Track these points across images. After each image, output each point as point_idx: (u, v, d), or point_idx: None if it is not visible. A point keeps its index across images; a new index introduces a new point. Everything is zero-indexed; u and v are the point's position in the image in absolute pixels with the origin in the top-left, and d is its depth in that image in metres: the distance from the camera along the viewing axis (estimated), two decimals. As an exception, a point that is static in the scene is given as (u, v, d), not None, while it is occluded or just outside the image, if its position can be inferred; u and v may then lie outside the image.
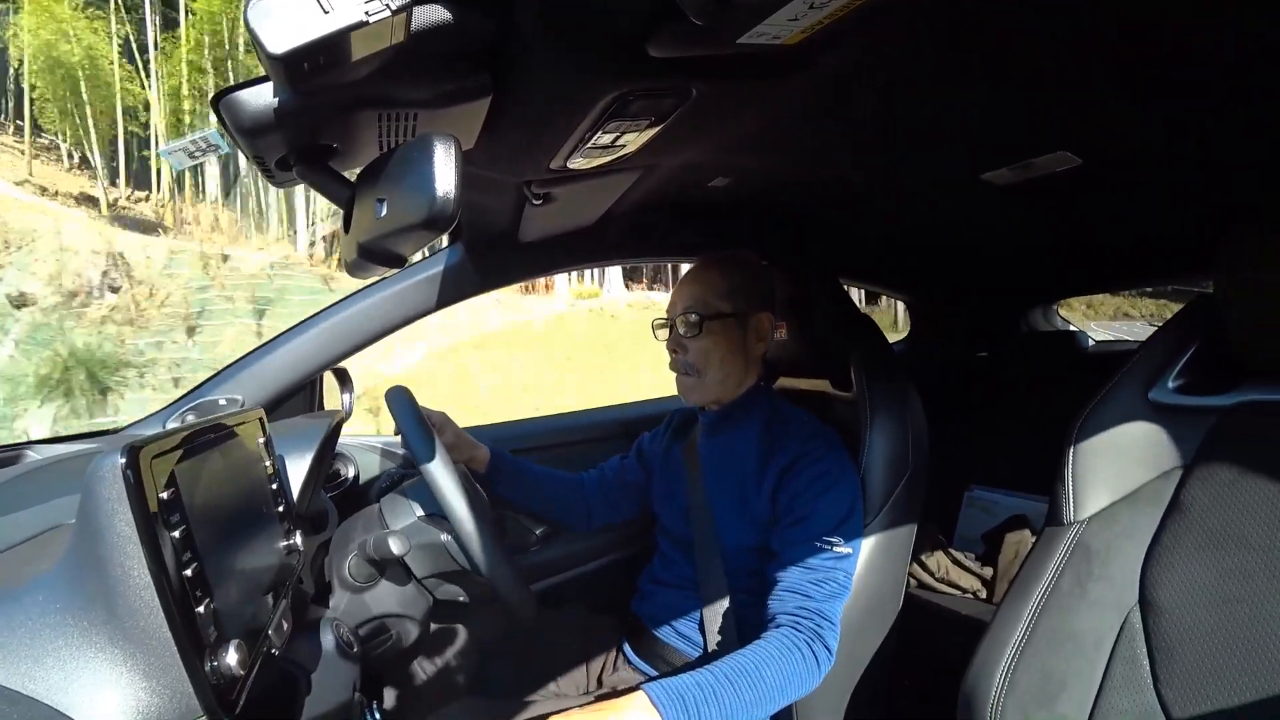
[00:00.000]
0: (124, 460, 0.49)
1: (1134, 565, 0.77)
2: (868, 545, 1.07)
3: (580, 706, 0.86)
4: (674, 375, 1.20)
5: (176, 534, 0.52)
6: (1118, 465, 0.82)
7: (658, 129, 0.74)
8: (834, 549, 1.01)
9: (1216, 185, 1.02)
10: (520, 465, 1.32)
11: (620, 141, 0.76)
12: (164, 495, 0.52)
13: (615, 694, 1.13)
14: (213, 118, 0.61)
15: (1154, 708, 0.71)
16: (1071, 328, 2.01)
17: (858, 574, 1.05)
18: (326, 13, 0.44)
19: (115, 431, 1.22)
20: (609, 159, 0.83)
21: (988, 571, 1.59)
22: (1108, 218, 1.26)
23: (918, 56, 0.68)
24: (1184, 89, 0.73)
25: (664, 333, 1.21)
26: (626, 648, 1.22)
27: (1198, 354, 0.82)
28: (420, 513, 1.04)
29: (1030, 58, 0.69)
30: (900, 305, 2.18)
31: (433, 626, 1.20)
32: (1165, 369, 0.83)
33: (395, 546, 0.96)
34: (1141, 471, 0.81)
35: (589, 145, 0.76)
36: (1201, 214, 1.16)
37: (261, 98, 0.58)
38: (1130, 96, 0.76)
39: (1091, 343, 1.92)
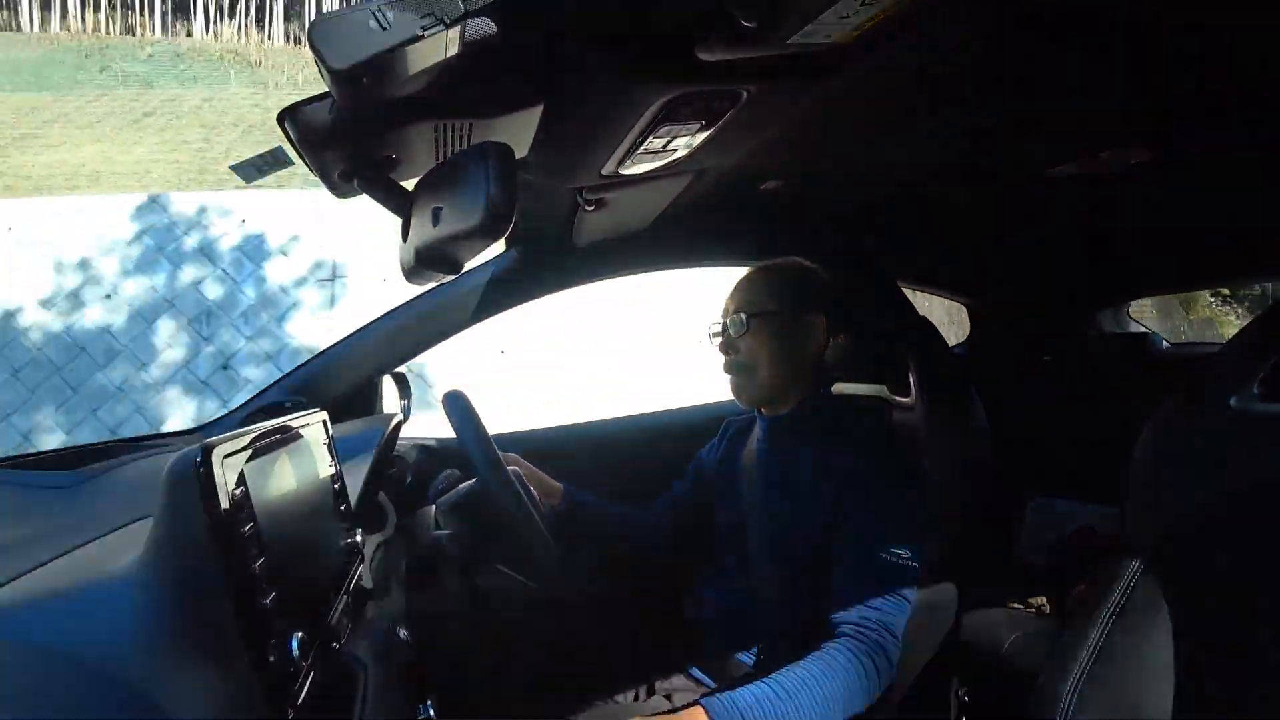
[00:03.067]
0: (198, 459, 0.51)
1: (1213, 584, 0.72)
2: (926, 555, 1.04)
3: (636, 717, 0.86)
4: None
5: (245, 530, 0.54)
6: (1195, 477, 0.77)
7: (709, 132, 0.74)
8: (898, 561, 0.99)
9: None
10: (593, 503, 1.34)
11: (672, 145, 0.77)
12: (234, 493, 0.54)
13: (669, 700, 1.13)
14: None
15: None
16: (1143, 329, 1.91)
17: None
18: (384, 29, 0.46)
19: (192, 433, 1.28)
20: (661, 163, 0.83)
21: (1053, 585, 1.52)
22: (1183, 213, 1.19)
23: (976, 48, 0.66)
24: (1263, 71, 0.69)
25: (717, 339, 1.21)
26: (680, 652, 1.21)
27: None
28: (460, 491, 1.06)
29: (1099, 45, 0.65)
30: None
31: (486, 626, 1.22)
32: (1251, 373, 0.77)
33: (451, 547, 0.99)
34: (1222, 485, 0.75)
35: (641, 150, 0.76)
36: None
37: (324, 113, 0.60)
38: (1205, 84, 0.72)
39: (1166, 345, 1.83)
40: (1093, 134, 0.88)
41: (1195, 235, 1.34)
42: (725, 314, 1.21)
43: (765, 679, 0.90)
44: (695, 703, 0.88)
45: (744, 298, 1.18)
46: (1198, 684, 0.69)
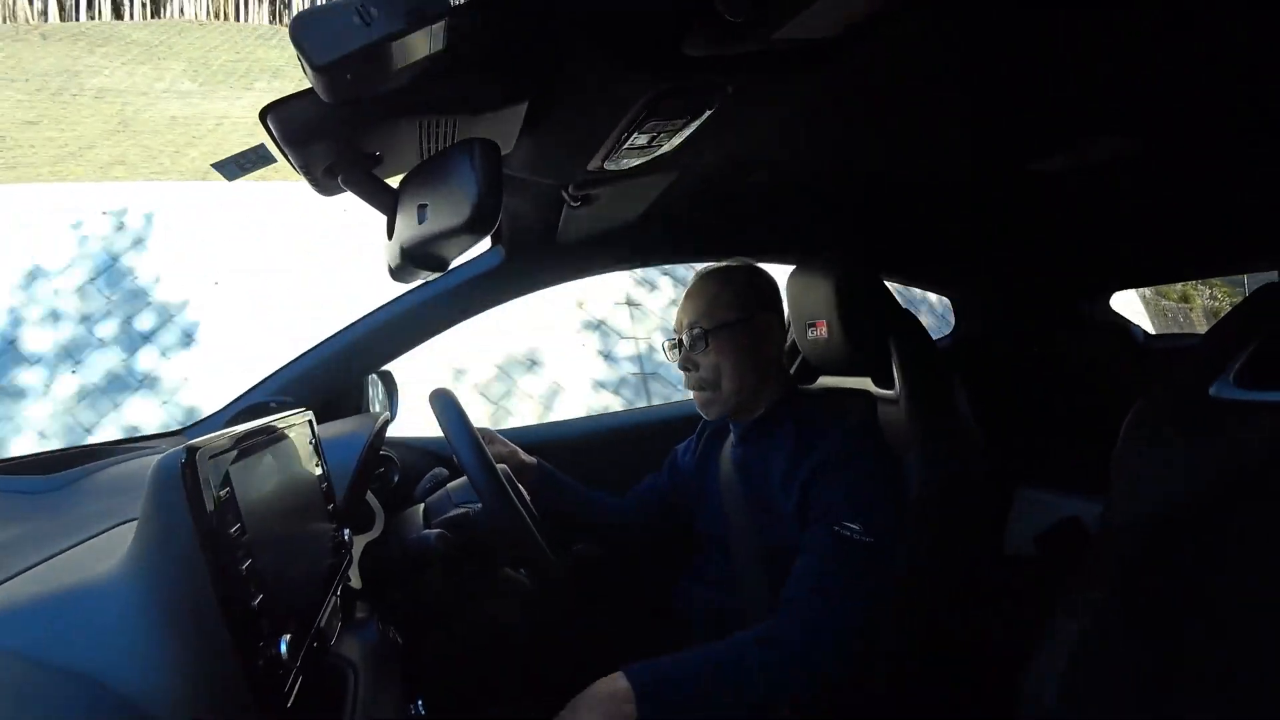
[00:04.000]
0: (183, 461, 0.51)
1: (1197, 573, 0.73)
2: (911, 548, 1.05)
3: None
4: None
5: (232, 531, 0.54)
6: (1176, 465, 0.78)
7: (694, 127, 0.74)
8: (851, 535, 0.98)
9: None
10: (567, 484, 1.33)
11: (657, 141, 0.77)
12: (220, 494, 0.54)
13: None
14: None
15: None
16: (1125, 321, 1.94)
17: (900, 576, 1.03)
18: (367, 24, 0.45)
19: (175, 434, 1.27)
20: (646, 159, 0.83)
21: (1039, 576, 1.54)
22: (1166, 204, 1.21)
23: (960, 42, 0.67)
24: (1247, 63, 0.70)
25: (675, 354, 1.20)
26: (666, 648, 1.22)
27: (1264, 346, 0.77)
28: (463, 510, 1.06)
29: (1081, 36, 0.66)
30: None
31: (476, 625, 1.21)
32: (1228, 362, 0.78)
33: (438, 545, 0.98)
34: (1203, 472, 0.76)
35: (626, 146, 0.76)
36: (1268, 200, 1.11)
37: (306, 109, 0.60)
38: (1187, 77, 0.72)
39: (1144, 336, 1.85)
40: (1075, 127, 0.89)
41: (1178, 227, 1.35)
42: (679, 329, 1.19)
43: (693, 649, 0.91)
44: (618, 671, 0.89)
45: (697, 310, 1.17)
46: (1183, 671, 0.70)
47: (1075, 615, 0.78)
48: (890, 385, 1.21)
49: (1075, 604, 0.79)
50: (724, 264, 1.23)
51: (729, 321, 1.14)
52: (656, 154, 0.81)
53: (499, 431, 1.34)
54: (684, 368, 1.18)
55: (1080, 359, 1.83)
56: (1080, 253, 1.62)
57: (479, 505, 1.03)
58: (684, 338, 1.17)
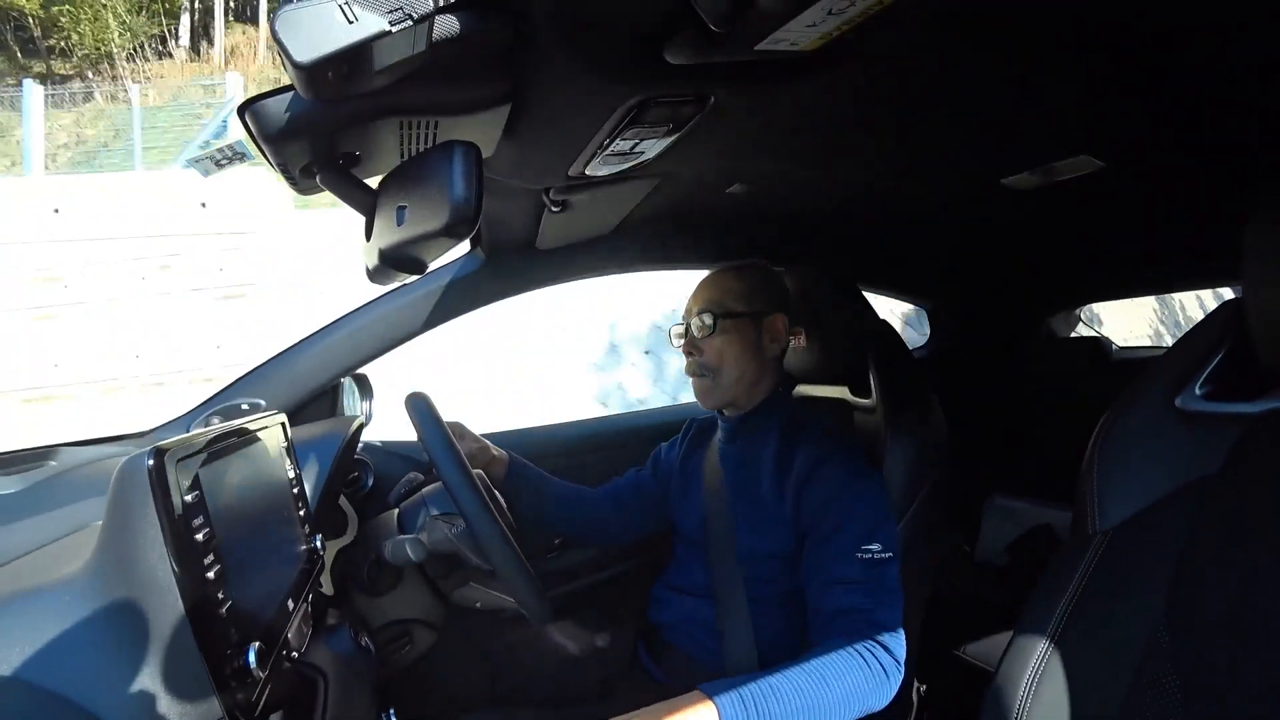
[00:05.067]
0: (150, 463, 0.50)
1: (1161, 578, 0.74)
2: (897, 543, 1.05)
3: (634, 711, 0.85)
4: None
5: (200, 536, 0.53)
6: (1143, 474, 0.80)
7: (676, 135, 0.74)
8: (875, 556, 0.99)
9: (1246, 186, 1.00)
10: (540, 477, 1.33)
11: (639, 148, 0.77)
12: (188, 498, 0.53)
13: (630, 700, 1.13)
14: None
15: None
16: (1095, 334, 1.98)
17: None
18: (351, 23, 0.45)
19: (142, 435, 1.24)
20: (627, 166, 0.83)
21: (1010, 583, 1.56)
22: (1133, 221, 1.24)
23: (937, 61, 0.68)
24: (1205, 87, 0.72)
25: (680, 340, 1.22)
26: (643, 655, 1.21)
27: (1226, 359, 0.80)
28: (437, 516, 1.04)
29: (1050, 61, 0.68)
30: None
31: (448, 633, 1.20)
32: (1192, 375, 0.80)
33: (412, 552, 0.97)
34: (1168, 481, 0.78)
35: (608, 152, 0.76)
36: (1230, 215, 1.14)
37: (286, 107, 0.59)
38: (1151, 97, 0.75)
39: (1115, 348, 1.90)
40: (1044, 145, 0.91)
41: (1146, 242, 1.39)
42: (688, 314, 1.21)
43: (769, 672, 0.88)
44: (696, 690, 0.86)
45: (708, 298, 1.18)
46: (1150, 674, 0.71)
47: (1044, 621, 0.80)
48: (867, 394, 1.23)
49: (1044, 610, 0.80)
50: (740, 261, 1.24)
51: (738, 313, 1.16)
52: (638, 161, 0.81)
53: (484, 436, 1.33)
54: (688, 352, 1.20)
55: (1052, 370, 1.86)
56: (1053, 267, 1.65)
57: (460, 523, 1.01)
58: (692, 324, 1.18)
